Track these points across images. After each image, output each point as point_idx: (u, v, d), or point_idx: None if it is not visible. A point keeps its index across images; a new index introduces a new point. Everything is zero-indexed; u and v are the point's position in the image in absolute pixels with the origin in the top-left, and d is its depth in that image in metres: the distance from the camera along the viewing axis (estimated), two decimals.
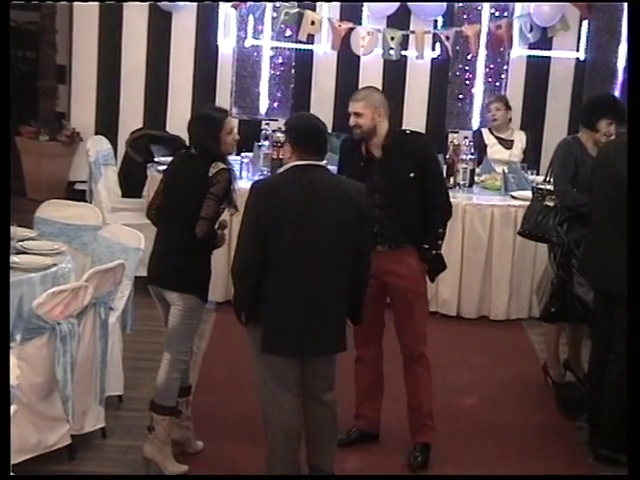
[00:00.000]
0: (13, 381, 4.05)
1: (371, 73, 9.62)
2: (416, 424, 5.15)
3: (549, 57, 9.64)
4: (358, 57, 9.51)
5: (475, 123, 9.42)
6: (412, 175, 4.93)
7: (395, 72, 9.63)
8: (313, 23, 9.27)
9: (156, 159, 7.91)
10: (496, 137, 8.05)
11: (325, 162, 4.56)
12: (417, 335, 5.08)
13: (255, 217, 4.31)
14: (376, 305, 5.05)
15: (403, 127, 9.65)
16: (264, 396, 4.50)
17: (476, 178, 7.61)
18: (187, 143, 4.98)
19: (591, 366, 5.50)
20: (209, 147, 4.71)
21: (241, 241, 4.37)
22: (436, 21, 9.51)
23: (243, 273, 4.37)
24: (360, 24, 9.40)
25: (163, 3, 9.44)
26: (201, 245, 4.68)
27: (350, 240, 4.35)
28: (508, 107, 8.08)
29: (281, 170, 4.56)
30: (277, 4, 9.26)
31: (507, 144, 8.02)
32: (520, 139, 8.10)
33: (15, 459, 4.30)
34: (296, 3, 9.25)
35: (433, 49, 9.50)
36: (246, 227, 4.35)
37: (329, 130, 9.01)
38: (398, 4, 9.37)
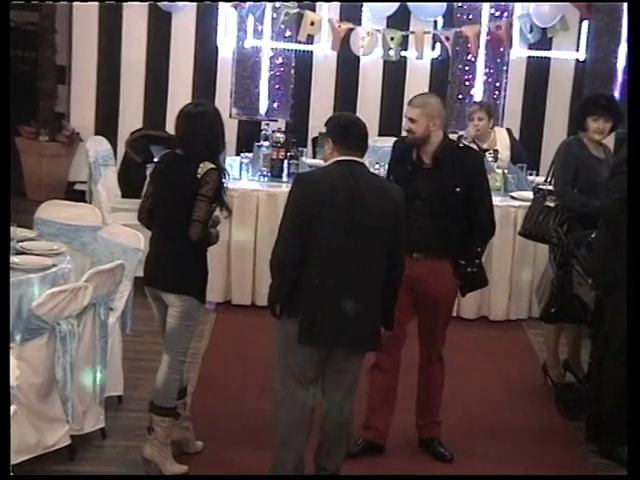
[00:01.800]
0: (13, 381, 4.05)
1: (371, 74, 9.63)
2: (426, 420, 5.19)
3: (549, 58, 9.64)
4: (358, 58, 9.52)
5: None
6: (458, 190, 4.90)
7: (395, 73, 9.63)
8: (313, 23, 9.28)
9: (156, 159, 7.89)
10: (480, 149, 7.89)
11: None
12: (438, 340, 5.13)
13: (298, 209, 4.30)
14: (404, 313, 5.01)
15: (402, 127, 9.74)
16: (279, 388, 4.51)
17: None
18: None
19: (592, 365, 5.50)
20: (210, 146, 4.64)
21: (283, 232, 4.36)
22: (436, 21, 9.52)
23: (283, 264, 4.36)
24: (360, 24, 9.40)
25: (163, 3, 9.44)
26: (196, 246, 4.66)
27: (388, 239, 4.37)
28: (490, 115, 7.93)
29: (324, 165, 4.54)
30: (277, 4, 9.26)
31: (494, 156, 7.87)
32: (505, 144, 7.99)
33: (15, 459, 4.30)
34: (296, 3, 9.25)
35: (433, 49, 9.50)
36: (289, 218, 4.34)
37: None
38: (398, 4, 9.37)
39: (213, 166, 4.61)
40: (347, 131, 4.39)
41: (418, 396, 5.23)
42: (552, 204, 5.94)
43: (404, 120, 5.03)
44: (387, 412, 5.18)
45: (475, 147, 7.83)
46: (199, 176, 4.56)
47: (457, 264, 4.98)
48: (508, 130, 8.27)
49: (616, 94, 8.89)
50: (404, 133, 5.14)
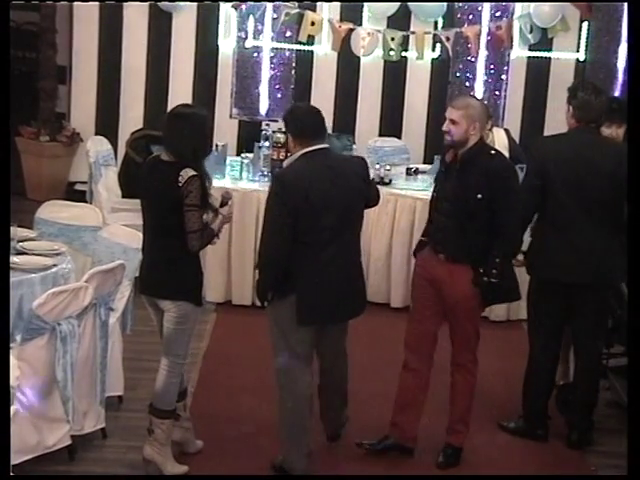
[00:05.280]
0: (13, 381, 4.05)
1: (371, 74, 9.63)
2: (450, 425, 5.16)
3: (549, 58, 9.64)
4: (358, 58, 9.52)
5: None
6: (480, 196, 4.79)
7: (395, 73, 9.63)
8: (313, 24, 9.28)
9: None
10: None
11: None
12: (462, 345, 5.04)
13: (283, 206, 4.41)
14: (432, 314, 5.02)
15: (402, 128, 9.75)
16: (282, 369, 4.68)
17: None
18: None
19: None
20: (196, 149, 4.55)
21: (268, 231, 4.45)
22: (436, 22, 9.52)
23: (274, 262, 4.49)
24: (360, 25, 9.40)
25: (163, 3, 9.44)
26: (186, 250, 4.59)
27: (363, 207, 4.73)
28: (489, 117, 7.86)
29: (292, 160, 4.63)
30: (277, 5, 9.27)
31: None
32: (503, 145, 7.92)
33: (15, 459, 4.31)
34: (296, 4, 9.25)
35: (433, 50, 9.51)
36: (275, 217, 4.44)
37: (329, 131, 9.06)
38: (398, 5, 9.38)
39: (194, 173, 4.50)
40: (303, 124, 4.58)
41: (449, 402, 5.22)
42: None
43: (446, 122, 4.88)
44: (413, 413, 5.13)
45: None
46: (180, 184, 4.47)
47: (475, 271, 4.87)
48: (506, 130, 8.25)
49: (616, 94, 8.89)
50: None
